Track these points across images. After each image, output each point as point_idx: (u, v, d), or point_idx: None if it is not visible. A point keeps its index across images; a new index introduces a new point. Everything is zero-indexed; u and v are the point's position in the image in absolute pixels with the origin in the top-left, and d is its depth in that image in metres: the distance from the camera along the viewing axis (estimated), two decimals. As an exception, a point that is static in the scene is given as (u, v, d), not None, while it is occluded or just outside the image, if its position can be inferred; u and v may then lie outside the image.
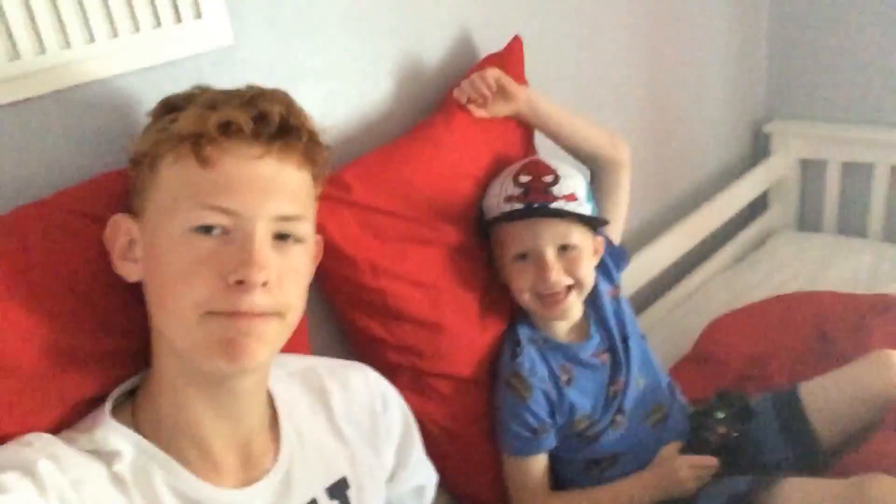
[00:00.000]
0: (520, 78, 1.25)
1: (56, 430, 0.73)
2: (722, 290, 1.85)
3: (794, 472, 1.11)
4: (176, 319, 0.70)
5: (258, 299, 0.68)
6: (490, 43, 1.31)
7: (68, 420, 0.74)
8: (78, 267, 0.75)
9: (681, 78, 1.90)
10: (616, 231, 1.29)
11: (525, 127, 1.26)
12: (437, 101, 1.24)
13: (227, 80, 0.84)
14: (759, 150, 2.23)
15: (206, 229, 0.68)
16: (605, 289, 1.25)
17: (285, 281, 0.71)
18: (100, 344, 0.76)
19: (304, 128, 0.73)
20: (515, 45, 1.27)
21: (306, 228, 0.75)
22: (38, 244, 0.74)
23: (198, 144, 0.68)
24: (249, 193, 0.69)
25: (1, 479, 0.62)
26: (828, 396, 1.19)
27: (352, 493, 0.82)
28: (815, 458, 1.17)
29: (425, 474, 0.95)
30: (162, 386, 0.74)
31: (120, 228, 0.74)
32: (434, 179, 1.13)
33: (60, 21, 0.81)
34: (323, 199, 1.00)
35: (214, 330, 0.68)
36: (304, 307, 0.77)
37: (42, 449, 0.67)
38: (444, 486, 1.20)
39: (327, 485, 0.81)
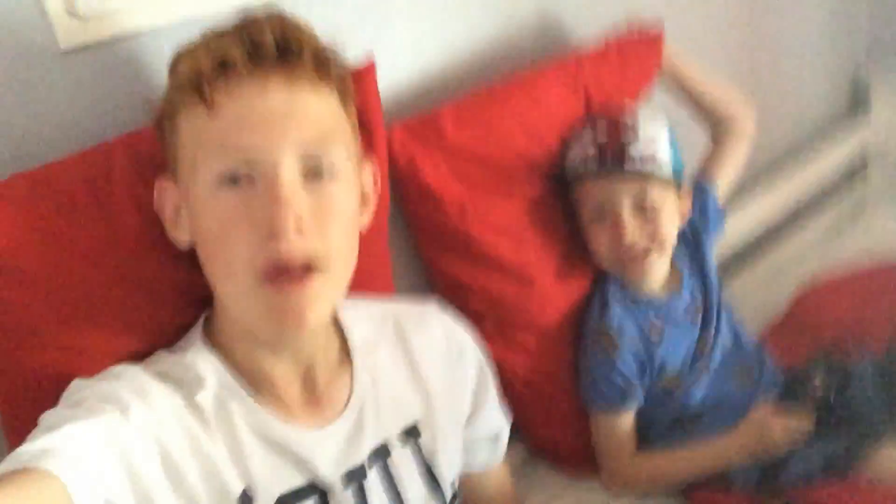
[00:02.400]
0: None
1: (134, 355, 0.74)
2: (816, 260, 1.74)
3: (893, 437, 1.06)
4: (228, 283, 0.68)
5: (295, 244, 0.64)
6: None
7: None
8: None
9: (771, 20, 1.78)
10: (722, 194, 1.27)
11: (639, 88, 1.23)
12: (531, 49, 1.23)
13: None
14: (858, 103, 2.08)
15: (232, 180, 0.64)
16: (709, 242, 1.23)
17: (325, 224, 0.66)
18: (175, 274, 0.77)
19: (306, 45, 0.66)
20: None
21: (340, 156, 0.68)
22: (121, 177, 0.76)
23: (199, 89, 0.64)
24: (263, 129, 0.64)
25: (98, 407, 0.63)
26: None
27: (424, 440, 0.81)
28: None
29: (500, 421, 0.94)
30: (231, 331, 0.74)
31: (165, 193, 0.72)
32: (527, 131, 1.12)
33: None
34: (417, 137, 1.03)
35: (265, 301, 0.66)
36: (355, 251, 0.72)
37: (130, 383, 0.67)
38: (525, 440, 1.21)
39: (399, 429, 0.80)
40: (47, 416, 0.63)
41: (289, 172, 0.64)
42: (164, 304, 0.78)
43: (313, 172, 0.66)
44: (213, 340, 0.74)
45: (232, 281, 0.67)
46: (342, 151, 0.69)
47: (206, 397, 0.69)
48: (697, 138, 1.30)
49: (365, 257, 0.74)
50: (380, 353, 0.81)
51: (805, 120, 1.98)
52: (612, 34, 1.26)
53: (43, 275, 0.71)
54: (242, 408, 0.70)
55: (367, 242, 0.75)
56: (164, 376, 0.69)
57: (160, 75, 0.76)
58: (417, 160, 1.02)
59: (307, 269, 0.65)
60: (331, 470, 0.73)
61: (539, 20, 1.27)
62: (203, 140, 0.65)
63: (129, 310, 0.76)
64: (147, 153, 0.77)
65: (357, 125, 0.74)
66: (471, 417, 0.89)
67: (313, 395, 0.75)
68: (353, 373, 0.78)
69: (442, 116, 1.06)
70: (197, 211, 0.67)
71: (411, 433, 0.80)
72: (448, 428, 0.84)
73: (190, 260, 0.74)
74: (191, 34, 0.69)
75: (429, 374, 0.83)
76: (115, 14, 0.80)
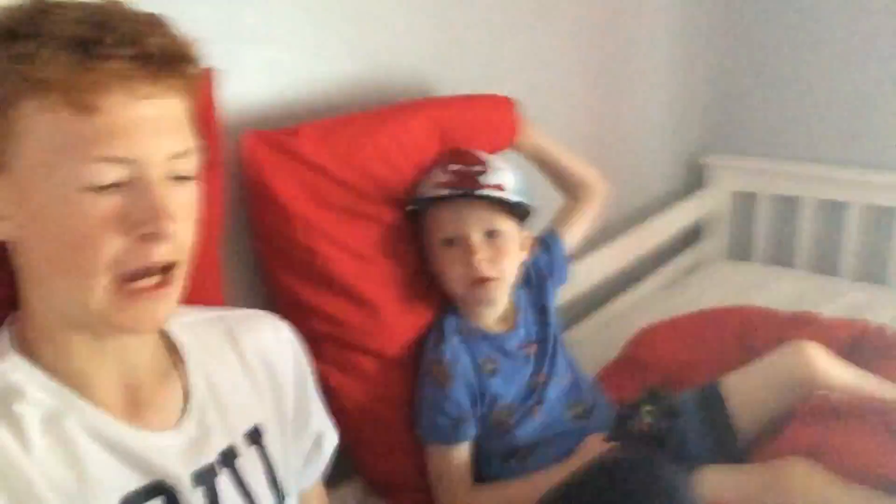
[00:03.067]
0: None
1: None
2: (652, 310, 1.87)
3: (716, 462, 1.12)
4: (79, 285, 0.64)
5: (164, 249, 0.65)
6: (440, 49, 1.36)
7: None
8: None
9: (621, 108, 1.97)
10: (570, 247, 1.35)
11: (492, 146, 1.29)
12: (388, 92, 1.28)
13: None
14: (694, 181, 2.30)
15: (102, 187, 0.62)
16: (552, 287, 1.28)
17: (184, 226, 0.67)
18: None
19: (191, 57, 0.67)
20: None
21: (195, 160, 0.69)
22: None
23: (72, 93, 0.61)
24: (143, 137, 0.63)
25: None
26: (747, 388, 1.21)
27: (267, 439, 0.80)
28: (735, 450, 1.18)
29: (323, 423, 0.91)
30: (43, 329, 0.69)
31: None
32: (384, 159, 1.14)
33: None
34: (272, 146, 1.02)
35: (120, 301, 0.65)
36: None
37: None
38: (363, 473, 1.18)
39: (244, 431, 0.79)
40: None
41: (161, 177, 0.64)
42: None
43: (177, 175, 0.66)
44: (24, 347, 0.69)
45: (87, 282, 0.64)
46: (196, 152, 0.69)
47: (26, 410, 0.65)
48: (550, 202, 1.38)
49: (197, 270, 0.73)
50: (210, 355, 0.80)
51: (650, 192, 2.16)
52: (473, 95, 1.33)
53: None
54: (79, 415, 0.67)
55: (199, 254, 0.73)
56: None
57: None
58: (268, 169, 1.02)
59: (167, 270, 0.66)
60: (176, 469, 0.70)
61: (397, 67, 1.32)
62: (67, 144, 0.61)
63: None
64: None
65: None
66: (294, 415, 0.86)
67: (136, 399, 0.72)
68: (188, 377, 0.77)
69: (300, 130, 1.06)
70: (51, 210, 0.63)
71: (254, 435, 0.79)
72: (279, 429, 0.83)
73: None
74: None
75: (264, 376, 0.82)
76: None
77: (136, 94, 0.63)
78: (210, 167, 0.79)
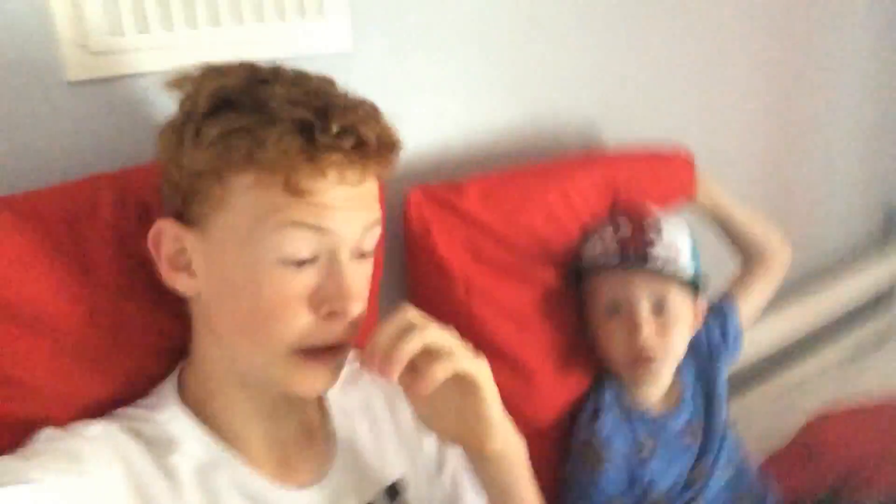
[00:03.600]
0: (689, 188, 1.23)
1: (108, 404, 0.72)
2: (832, 387, 1.69)
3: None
4: (263, 352, 0.67)
5: (346, 327, 0.68)
6: (610, 98, 1.30)
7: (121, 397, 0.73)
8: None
9: (807, 146, 1.80)
10: (746, 319, 1.23)
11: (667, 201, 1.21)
12: (553, 143, 1.23)
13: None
14: (890, 231, 2.06)
15: (299, 262, 0.65)
16: (723, 364, 1.17)
17: (361, 299, 0.69)
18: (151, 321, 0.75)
19: (398, 144, 0.69)
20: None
21: (378, 232, 0.71)
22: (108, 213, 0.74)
23: (291, 177, 0.63)
24: (341, 212, 0.66)
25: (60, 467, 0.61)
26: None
27: (410, 494, 0.79)
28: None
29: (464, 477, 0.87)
30: (208, 383, 0.72)
31: (166, 234, 0.68)
32: (549, 218, 1.09)
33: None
34: (437, 203, 1.02)
35: (300, 366, 0.67)
36: None
37: (99, 443, 0.65)
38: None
39: (384, 486, 0.78)
40: (7, 461, 0.60)
41: (349, 258, 0.67)
42: (137, 351, 0.75)
43: (360, 253, 0.69)
44: (186, 397, 0.72)
45: (270, 350, 0.67)
46: (380, 225, 0.71)
47: (181, 461, 0.68)
48: (723, 264, 1.28)
49: None
50: (356, 404, 0.81)
51: (836, 244, 1.96)
52: (646, 146, 1.25)
53: (17, 309, 0.69)
54: (229, 470, 0.69)
55: None
56: (137, 434, 0.68)
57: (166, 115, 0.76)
58: (433, 226, 1.00)
59: (342, 345, 0.69)
60: None
61: (563, 117, 1.27)
62: (272, 218, 0.64)
63: (101, 354, 0.73)
64: (136, 191, 0.75)
65: None
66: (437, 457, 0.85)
67: (286, 456, 0.74)
68: (330, 431, 0.78)
69: (466, 187, 1.04)
70: (247, 279, 0.65)
71: (394, 491, 0.79)
72: (426, 478, 0.82)
73: (168, 307, 0.73)
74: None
75: (405, 425, 0.83)
76: (125, 52, 0.80)
77: (347, 180, 0.65)
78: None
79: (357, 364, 0.84)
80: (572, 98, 1.28)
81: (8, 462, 0.60)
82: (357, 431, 0.80)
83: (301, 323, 0.66)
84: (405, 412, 0.83)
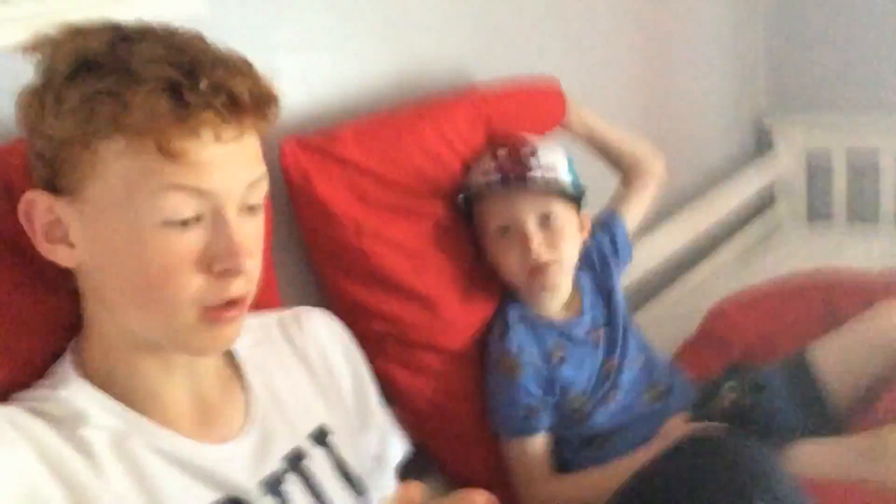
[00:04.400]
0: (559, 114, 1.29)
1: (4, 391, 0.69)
2: (728, 282, 1.79)
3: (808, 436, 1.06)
4: (160, 318, 0.66)
5: (241, 282, 0.66)
6: (478, 38, 1.32)
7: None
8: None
9: (679, 70, 1.90)
10: (631, 227, 1.30)
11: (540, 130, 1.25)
12: (427, 87, 1.25)
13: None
14: (762, 144, 2.19)
15: (182, 223, 0.63)
16: (616, 270, 1.24)
17: (254, 257, 0.68)
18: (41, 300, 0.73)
19: (273, 98, 0.66)
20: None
21: (265, 187, 0.70)
22: None
23: (162, 140, 0.61)
24: (222, 171, 0.64)
25: None
26: (836, 355, 1.15)
27: (335, 439, 0.80)
28: (828, 421, 1.11)
29: (385, 440, 0.89)
30: (108, 350, 0.70)
31: (37, 206, 0.65)
32: (429, 155, 1.12)
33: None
34: (312, 151, 1.01)
35: (199, 332, 0.67)
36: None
37: (8, 428, 0.63)
38: (441, 468, 1.16)
39: (308, 432, 0.79)
40: None
41: (236, 214, 0.65)
42: (30, 332, 0.72)
43: (248, 207, 0.67)
44: (87, 368, 0.70)
45: (168, 315, 0.65)
46: (266, 179, 0.69)
47: (93, 433, 0.65)
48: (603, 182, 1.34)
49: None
50: (269, 360, 0.81)
51: (715, 159, 2.07)
52: (514, 79, 1.29)
53: None
54: (144, 434, 0.68)
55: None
56: (38, 413, 0.65)
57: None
58: (312, 174, 1.01)
59: (241, 300, 0.67)
60: (245, 480, 0.71)
61: (436, 60, 1.29)
62: (149, 182, 0.62)
63: None
64: (13, 168, 0.72)
65: None
66: (356, 405, 0.86)
67: (206, 413, 0.73)
68: (247, 385, 0.77)
69: (341, 133, 1.05)
70: (130, 244, 0.63)
71: (320, 434, 0.79)
72: (346, 423, 0.83)
73: (53, 286, 0.71)
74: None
75: (323, 370, 0.83)
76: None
77: (223, 137, 0.63)
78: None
79: (265, 318, 0.84)
80: (443, 41, 1.30)
81: None
82: (274, 384, 0.80)
83: (194, 285, 0.64)
84: (313, 355, 0.84)
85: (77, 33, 0.64)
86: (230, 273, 0.65)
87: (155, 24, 0.66)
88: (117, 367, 0.70)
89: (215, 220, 0.64)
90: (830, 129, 2.08)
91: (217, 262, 0.64)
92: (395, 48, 1.23)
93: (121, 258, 0.65)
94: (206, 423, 0.73)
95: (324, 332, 0.86)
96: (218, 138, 0.63)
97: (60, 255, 0.67)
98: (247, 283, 0.67)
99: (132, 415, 0.68)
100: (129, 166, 0.62)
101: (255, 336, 0.81)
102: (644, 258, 1.63)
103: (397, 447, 0.90)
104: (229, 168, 0.64)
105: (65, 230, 0.66)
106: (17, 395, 0.69)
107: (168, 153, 0.61)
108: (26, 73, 0.65)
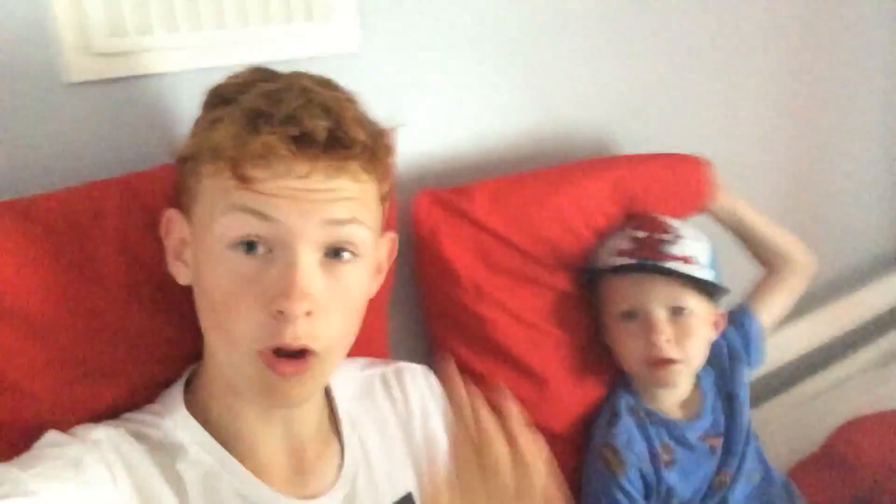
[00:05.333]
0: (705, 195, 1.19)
1: (113, 412, 0.71)
2: (861, 393, 1.63)
3: None
4: (226, 346, 0.65)
5: (301, 330, 0.62)
6: (624, 107, 1.28)
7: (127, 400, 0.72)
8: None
9: (830, 163, 1.76)
10: (766, 328, 1.20)
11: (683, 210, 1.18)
12: (566, 150, 1.21)
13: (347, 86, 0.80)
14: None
15: (248, 246, 0.62)
16: (744, 370, 1.14)
17: (334, 308, 0.64)
18: (160, 326, 0.74)
19: (358, 140, 0.63)
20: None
21: (363, 235, 0.66)
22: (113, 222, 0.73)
23: (236, 163, 0.62)
24: (295, 206, 0.62)
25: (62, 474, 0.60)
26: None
27: None
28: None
29: None
30: (213, 387, 0.71)
31: (174, 225, 0.69)
32: (562, 223, 1.07)
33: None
34: (444, 206, 1.00)
35: (259, 375, 0.64)
36: (358, 325, 0.70)
37: (104, 449, 0.64)
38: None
39: (394, 499, 0.76)
40: (6, 470, 0.59)
41: (309, 255, 0.63)
42: (146, 356, 0.74)
43: (334, 252, 0.65)
44: (195, 401, 0.71)
45: (230, 348, 0.65)
46: (366, 230, 0.67)
47: (187, 469, 0.66)
48: (744, 273, 1.24)
49: (363, 323, 0.71)
50: (368, 415, 0.80)
51: (859, 255, 1.91)
52: (660, 155, 1.22)
53: (19, 315, 0.68)
54: (233, 478, 0.68)
55: (367, 308, 0.72)
56: (141, 437, 0.67)
57: (172, 118, 0.75)
58: (440, 230, 0.98)
59: (305, 352, 0.64)
60: None
61: (579, 123, 1.24)
62: (228, 199, 0.62)
63: (109, 360, 0.72)
64: (143, 197, 0.74)
65: (388, 199, 0.72)
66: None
67: (300, 465, 0.73)
68: (343, 443, 0.76)
69: (475, 191, 1.02)
70: (207, 265, 0.65)
71: (406, 502, 0.77)
72: None
73: (178, 313, 0.73)
74: (209, 81, 0.68)
75: (419, 424, 0.82)
76: (128, 54, 0.79)
77: (294, 172, 0.62)
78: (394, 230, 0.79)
79: (370, 374, 0.83)
80: (587, 103, 1.26)
81: (7, 471, 0.58)
82: (368, 443, 0.78)
83: (252, 319, 0.62)
84: (418, 436, 0.81)
85: (233, 74, 0.68)
86: (284, 318, 0.61)
87: (303, 72, 0.67)
88: (219, 407, 0.70)
89: (285, 255, 0.62)
90: None
91: (274, 300, 0.61)
92: (539, 107, 1.20)
93: (202, 280, 0.66)
94: (300, 474, 0.72)
95: (427, 395, 0.84)
96: (290, 171, 0.61)
97: (177, 271, 0.70)
98: (309, 339, 0.63)
99: (227, 457, 0.68)
100: (213, 188, 0.64)
101: (357, 388, 0.80)
102: (772, 356, 1.51)
103: None
104: (301, 203, 0.62)
105: (185, 248, 0.69)
106: (125, 416, 0.71)
107: (240, 178, 0.61)
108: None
